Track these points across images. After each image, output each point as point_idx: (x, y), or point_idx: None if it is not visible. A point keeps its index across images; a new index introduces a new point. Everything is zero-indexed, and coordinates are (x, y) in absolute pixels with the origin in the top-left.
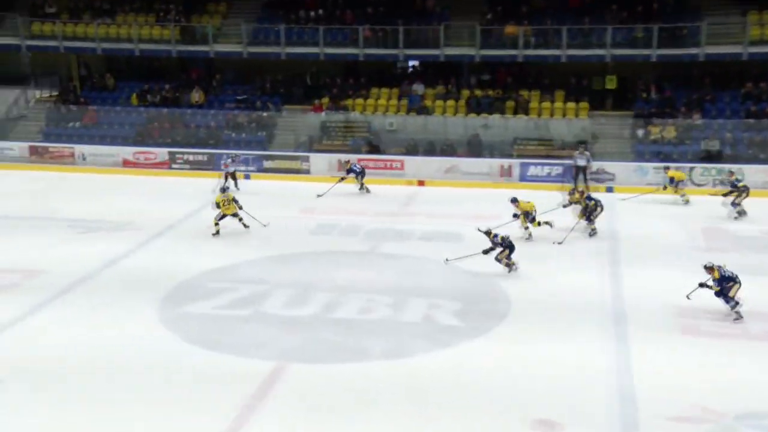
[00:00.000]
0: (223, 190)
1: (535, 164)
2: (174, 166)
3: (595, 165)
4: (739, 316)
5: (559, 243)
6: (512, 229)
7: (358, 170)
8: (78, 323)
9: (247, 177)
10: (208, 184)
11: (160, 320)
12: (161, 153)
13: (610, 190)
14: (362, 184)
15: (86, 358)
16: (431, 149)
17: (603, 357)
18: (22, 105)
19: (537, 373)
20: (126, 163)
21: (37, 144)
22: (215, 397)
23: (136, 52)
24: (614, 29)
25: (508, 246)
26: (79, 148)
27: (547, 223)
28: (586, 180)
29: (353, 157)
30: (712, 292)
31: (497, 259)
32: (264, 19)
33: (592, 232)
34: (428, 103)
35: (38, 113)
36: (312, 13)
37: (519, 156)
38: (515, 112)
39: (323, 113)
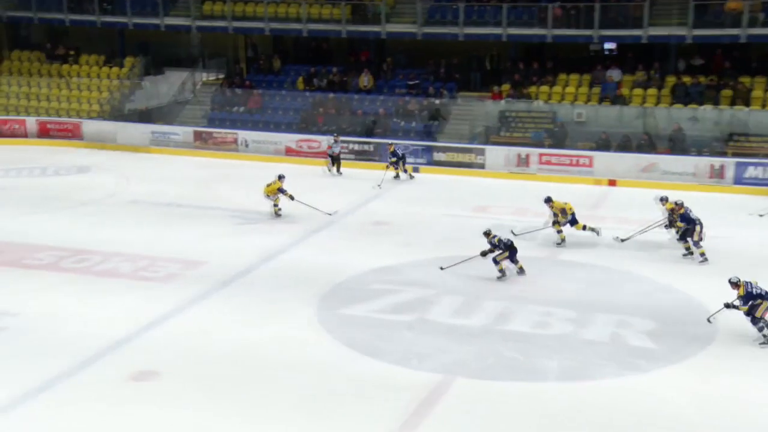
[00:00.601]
0: (280, 177)
1: (756, 164)
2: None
3: None
4: (766, 340)
5: (622, 240)
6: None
7: (401, 154)
8: (234, 319)
9: (416, 170)
10: (360, 173)
11: (317, 320)
12: (325, 141)
13: None
14: (401, 170)
15: (240, 356)
16: (626, 144)
17: None
18: (190, 88)
19: (743, 415)
20: (289, 151)
21: (201, 129)
22: (372, 409)
23: (304, 32)
24: None
25: (508, 248)
26: (243, 134)
27: (593, 229)
28: None
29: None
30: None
31: (495, 261)
32: None
33: (686, 252)
34: (625, 91)
35: (204, 97)
36: None
37: (734, 154)
38: (732, 103)
39: (502, 101)
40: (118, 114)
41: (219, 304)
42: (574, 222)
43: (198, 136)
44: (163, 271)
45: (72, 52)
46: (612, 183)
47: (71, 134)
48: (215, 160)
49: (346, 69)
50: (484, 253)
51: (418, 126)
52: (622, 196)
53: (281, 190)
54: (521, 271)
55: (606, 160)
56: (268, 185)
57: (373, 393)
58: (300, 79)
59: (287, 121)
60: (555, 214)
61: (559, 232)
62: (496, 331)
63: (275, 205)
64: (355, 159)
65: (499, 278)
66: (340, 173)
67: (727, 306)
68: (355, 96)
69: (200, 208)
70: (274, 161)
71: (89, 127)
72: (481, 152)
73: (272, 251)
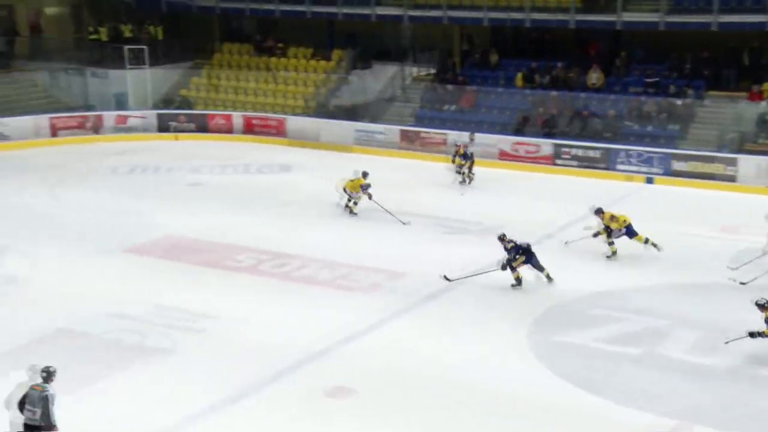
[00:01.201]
0: (365, 174)
1: None
2: (558, 161)
3: None
4: None
5: (742, 283)
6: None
7: (470, 154)
8: (436, 337)
9: (649, 181)
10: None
11: (527, 346)
12: (545, 145)
13: None
14: (463, 177)
15: (439, 378)
16: None
17: None
18: (398, 83)
19: None
20: (502, 155)
21: (408, 128)
22: None
23: (526, 22)
24: None
25: (525, 252)
26: (453, 135)
27: (654, 245)
28: None
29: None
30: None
31: (511, 266)
32: None
33: None
34: None
35: (413, 93)
36: None
37: None
38: None
39: (763, 102)
40: (322, 110)
41: (421, 320)
42: (632, 234)
43: (404, 135)
44: (364, 280)
45: (280, 45)
46: None
47: (275, 131)
48: (422, 162)
49: (572, 64)
50: (504, 267)
51: (655, 130)
52: None
53: (363, 188)
54: (549, 279)
55: None
56: (351, 180)
57: None
58: (519, 75)
59: (503, 121)
60: (606, 226)
61: (611, 244)
62: (746, 375)
63: (354, 203)
64: (578, 166)
65: (514, 287)
66: (473, 175)
67: (752, 335)
68: (581, 95)
69: (403, 214)
70: (485, 165)
71: (293, 123)
72: (732, 162)
73: (481, 265)
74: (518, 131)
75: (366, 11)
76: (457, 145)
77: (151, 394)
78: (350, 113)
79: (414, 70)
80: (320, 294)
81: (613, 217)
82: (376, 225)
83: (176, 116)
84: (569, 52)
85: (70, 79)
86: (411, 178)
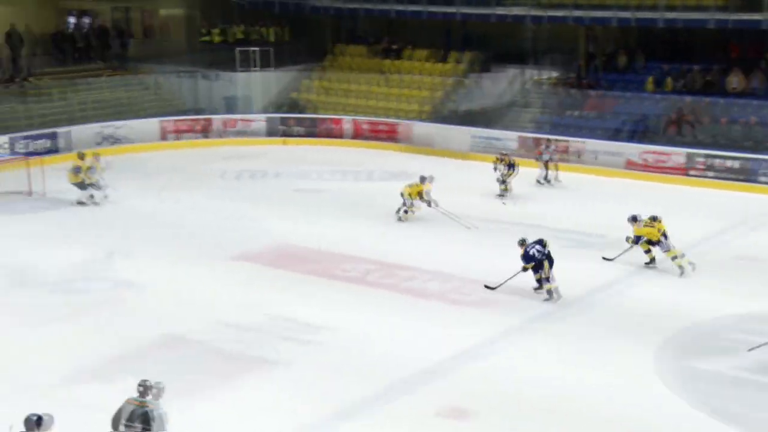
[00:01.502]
0: (423, 179)
1: None
2: (692, 172)
3: None
4: None
5: None
6: None
7: (516, 165)
8: (554, 357)
9: None
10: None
11: (655, 371)
12: (677, 154)
13: None
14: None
15: (556, 402)
16: None
17: None
18: (518, 88)
19: None
20: (630, 165)
21: (528, 135)
22: None
23: (659, 22)
24: None
25: (546, 257)
26: (575, 143)
27: (652, 260)
28: None
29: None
30: None
31: (539, 280)
32: None
33: None
34: None
35: (535, 98)
36: None
37: None
38: None
39: None
40: (437, 115)
41: (538, 338)
42: (649, 243)
43: (523, 142)
44: (476, 294)
45: (395, 47)
46: None
47: (387, 136)
48: (541, 171)
49: (711, 67)
50: (525, 269)
51: None
52: None
53: (421, 195)
54: (549, 295)
55: None
56: (410, 185)
57: None
58: (650, 79)
59: (631, 128)
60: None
61: (674, 259)
62: None
63: (405, 211)
64: (714, 178)
65: (547, 300)
66: (548, 181)
67: None
68: (720, 100)
69: (520, 225)
70: (612, 175)
71: (406, 129)
72: None
73: (606, 281)
74: (648, 139)
75: (486, 11)
76: (503, 154)
77: (255, 405)
78: (467, 118)
79: (535, 74)
80: (430, 307)
81: (649, 224)
82: (489, 236)
83: (286, 120)
84: (706, 54)
85: (181, 82)
86: (529, 187)
